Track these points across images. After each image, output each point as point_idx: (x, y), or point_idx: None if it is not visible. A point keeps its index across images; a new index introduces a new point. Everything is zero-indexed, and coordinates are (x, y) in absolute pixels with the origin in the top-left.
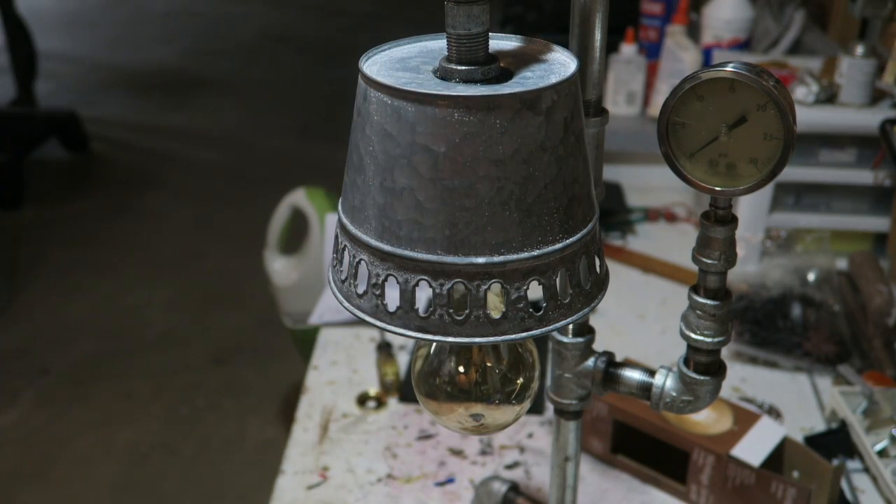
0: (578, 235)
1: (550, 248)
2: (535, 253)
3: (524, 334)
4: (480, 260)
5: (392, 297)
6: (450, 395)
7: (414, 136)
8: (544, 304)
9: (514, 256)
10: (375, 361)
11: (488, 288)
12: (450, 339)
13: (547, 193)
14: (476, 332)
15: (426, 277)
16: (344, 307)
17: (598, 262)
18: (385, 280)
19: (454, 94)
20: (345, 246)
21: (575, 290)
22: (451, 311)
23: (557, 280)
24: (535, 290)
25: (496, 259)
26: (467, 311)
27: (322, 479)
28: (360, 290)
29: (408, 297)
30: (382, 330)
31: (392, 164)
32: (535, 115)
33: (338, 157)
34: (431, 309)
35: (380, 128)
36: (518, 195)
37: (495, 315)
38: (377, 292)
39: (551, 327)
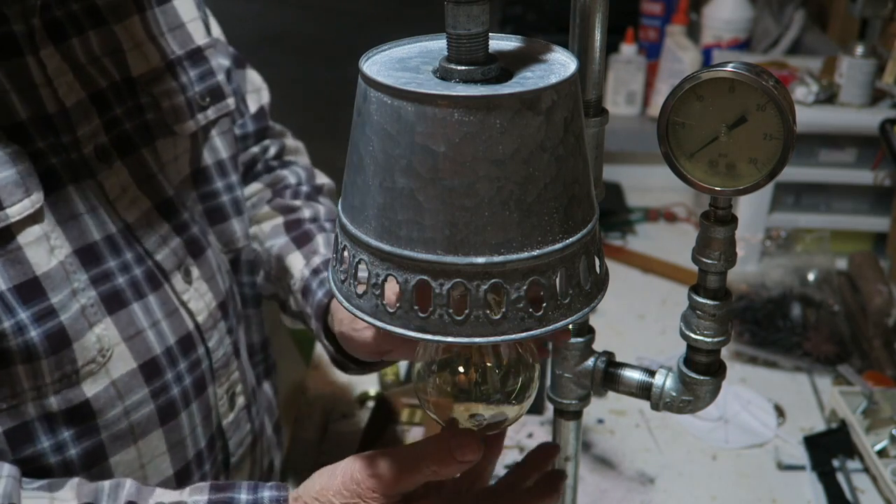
0: (578, 235)
1: (550, 248)
2: (535, 253)
3: (524, 334)
4: (480, 260)
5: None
6: (450, 395)
7: (413, 136)
8: (544, 304)
9: (514, 256)
10: None
11: (488, 288)
12: (449, 339)
13: (547, 193)
14: (476, 332)
15: (426, 277)
16: (344, 307)
17: (597, 262)
18: (385, 280)
19: (454, 94)
20: (344, 246)
21: (575, 290)
22: (450, 311)
23: (557, 280)
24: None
25: (496, 259)
26: (467, 311)
27: None
28: (360, 290)
29: (408, 296)
30: (382, 330)
31: (392, 164)
32: (535, 115)
33: (338, 158)
34: (431, 309)
35: (380, 128)
36: (518, 195)
37: (494, 315)
38: (377, 292)
39: (551, 327)
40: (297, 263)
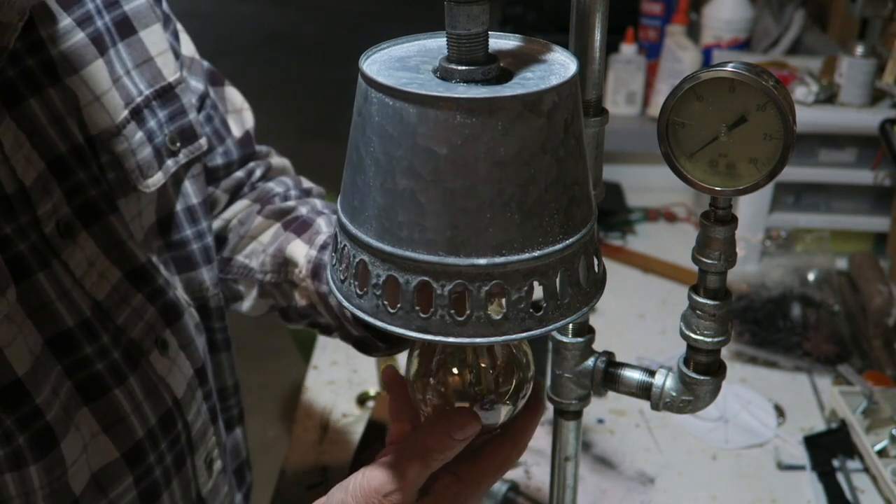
0: (578, 236)
1: (551, 249)
2: (536, 254)
3: (525, 334)
4: (482, 261)
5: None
6: (445, 395)
7: (415, 138)
8: (544, 305)
9: (515, 257)
10: (375, 361)
11: (489, 289)
12: (451, 339)
13: (547, 195)
14: (477, 333)
15: (427, 278)
16: (343, 307)
17: (596, 262)
18: (386, 280)
19: (456, 96)
20: (344, 245)
21: (574, 290)
22: (452, 311)
23: (557, 280)
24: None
25: (497, 260)
26: (468, 312)
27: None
28: (361, 289)
29: (409, 297)
30: (383, 330)
31: (393, 165)
32: (537, 117)
33: (338, 158)
34: (433, 309)
35: (381, 129)
36: (519, 197)
37: (495, 315)
38: (378, 292)
39: (551, 327)
40: (300, 249)
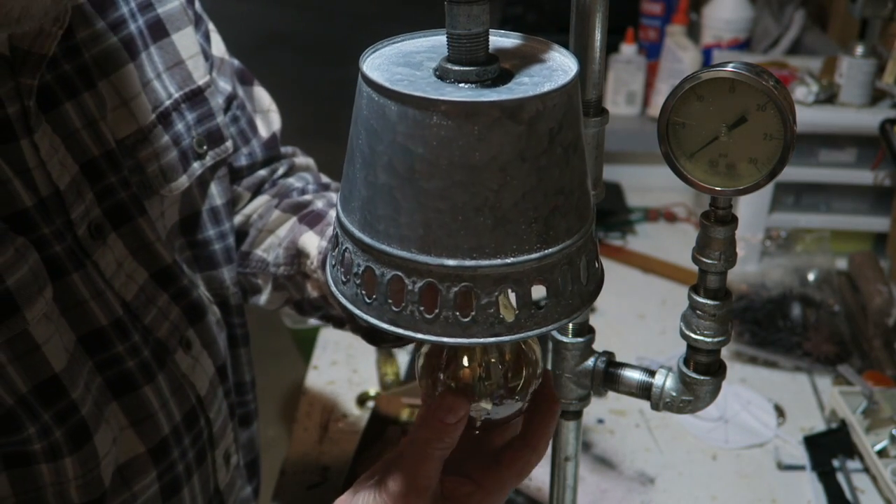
0: (558, 247)
1: (526, 258)
2: (509, 261)
3: (493, 339)
4: (451, 262)
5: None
6: (453, 390)
7: (395, 136)
8: (517, 312)
9: (486, 262)
10: (375, 361)
11: (458, 290)
12: (419, 335)
13: (525, 203)
14: (445, 332)
15: (400, 273)
16: (331, 290)
17: (584, 273)
18: (364, 270)
19: (434, 97)
20: (336, 232)
21: (552, 301)
22: (421, 308)
23: (532, 289)
24: (538, 290)
25: (467, 263)
26: (437, 311)
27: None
28: (345, 276)
29: (383, 289)
30: (359, 318)
31: (375, 160)
32: (516, 125)
33: (338, 158)
34: (404, 304)
35: (367, 123)
36: (493, 202)
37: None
38: (357, 281)
39: (522, 335)
40: (312, 241)
